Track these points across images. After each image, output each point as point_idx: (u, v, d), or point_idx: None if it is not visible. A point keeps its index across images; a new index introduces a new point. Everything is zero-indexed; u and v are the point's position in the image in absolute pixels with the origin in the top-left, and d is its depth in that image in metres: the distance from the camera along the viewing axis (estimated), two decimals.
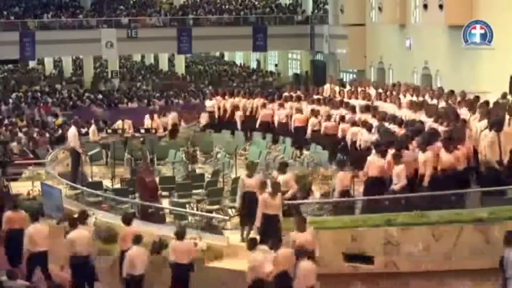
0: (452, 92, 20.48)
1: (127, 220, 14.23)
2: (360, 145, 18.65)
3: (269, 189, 14.24)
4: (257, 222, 14.15)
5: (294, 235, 12.88)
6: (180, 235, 13.42)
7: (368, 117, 19.43)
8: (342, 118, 20.50)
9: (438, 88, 22.27)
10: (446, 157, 15.10)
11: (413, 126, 17.38)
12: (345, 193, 15.52)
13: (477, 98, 19.42)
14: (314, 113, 21.58)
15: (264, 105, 24.01)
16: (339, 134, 20.03)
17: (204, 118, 25.96)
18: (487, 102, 18.48)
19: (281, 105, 23.41)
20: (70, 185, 18.87)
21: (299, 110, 22.34)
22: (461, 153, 15.37)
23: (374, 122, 18.85)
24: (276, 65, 57.53)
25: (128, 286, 13.29)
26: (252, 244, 12.82)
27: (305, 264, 12.08)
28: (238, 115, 24.64)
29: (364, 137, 18.52)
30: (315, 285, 12.22)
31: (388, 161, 15.29)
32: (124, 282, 13.33)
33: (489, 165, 15.17)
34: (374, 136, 18.08)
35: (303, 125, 21.86)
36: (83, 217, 14.38)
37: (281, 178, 15.37)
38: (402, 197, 14.83)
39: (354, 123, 19.65)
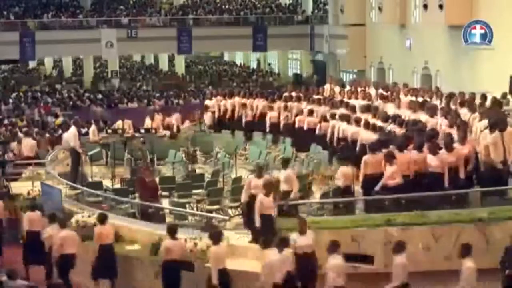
0: (453, 94, 20.37)
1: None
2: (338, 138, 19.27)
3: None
4: (257, 223, 14.13)
5: (295, 237, 12.97)
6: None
7: (368, 117, 19.45)
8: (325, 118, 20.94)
9: (436, 90, 22.16)
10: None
11: (414, 125, 17.37)
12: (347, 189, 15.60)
13: (473, 96, 19.42)
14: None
15: (271, 108, 23.91)
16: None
17: (208, 119, 25.93)
18: (495, 100, 18.43)
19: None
20: (70, 185, 18.86)
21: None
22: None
23: (377, 122, 18.91)
24: (269, 64, 57.56)
25: None
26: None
27: None
28: (249, 114, 24.53)
29: (343, 127, 19.12)
30: None
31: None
32: None
33: (491, 165, 15.12)
34: (354, 128, 18.59)
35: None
36: None
37: (283, 174, 15.38)
38: (402, 197, 14.82)
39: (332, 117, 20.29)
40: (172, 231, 13.69)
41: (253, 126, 24.39)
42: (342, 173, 15.64)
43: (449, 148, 15.12)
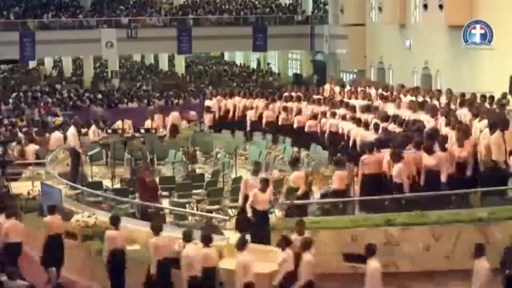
0: (463, 95, 20.25)
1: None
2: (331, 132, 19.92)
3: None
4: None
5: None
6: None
7: (368, 117, 19.46)
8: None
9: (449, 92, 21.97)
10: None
11: (414, 125, 17.39)
12: (341, 192, 15.59)
13: (484, 98, 19.43)
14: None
15: (266, 106, 24.17)
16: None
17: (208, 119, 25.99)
18: (498, 101, 18.38)
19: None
20: (70, 185, 18.86)
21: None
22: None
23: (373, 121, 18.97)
24: (268, 63, 57.56)
25: None
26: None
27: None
28: (209, 117, 25.28)
29: (341, 124, 19.67)
30: None
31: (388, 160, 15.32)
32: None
33: (492, 165, 15.10)
34: (351, 125, 18.92)
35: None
36: None
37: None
38: (402, 197, 14.83)
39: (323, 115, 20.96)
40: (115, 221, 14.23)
41: (217, 127, 25.09)
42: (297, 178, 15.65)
43: (430, 151, 15.08)
